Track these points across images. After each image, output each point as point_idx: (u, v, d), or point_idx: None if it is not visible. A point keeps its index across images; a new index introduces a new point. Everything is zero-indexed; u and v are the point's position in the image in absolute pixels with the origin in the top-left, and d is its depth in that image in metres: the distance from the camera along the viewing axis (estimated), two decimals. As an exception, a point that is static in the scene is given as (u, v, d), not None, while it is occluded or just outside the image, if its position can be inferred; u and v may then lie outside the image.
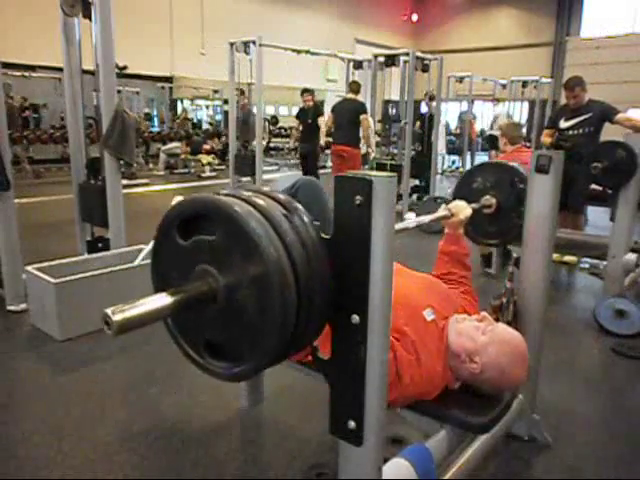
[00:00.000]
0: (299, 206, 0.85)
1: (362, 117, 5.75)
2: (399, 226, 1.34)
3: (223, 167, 9.38)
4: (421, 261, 2.05)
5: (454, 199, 1.78)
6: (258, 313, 0.79)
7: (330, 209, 1.77)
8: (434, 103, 6.91)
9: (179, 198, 2.12)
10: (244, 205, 0.80)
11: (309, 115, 6.55)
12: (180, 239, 0.86)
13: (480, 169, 1.99)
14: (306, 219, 0.83)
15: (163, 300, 0.76)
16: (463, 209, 1.68)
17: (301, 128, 6.82)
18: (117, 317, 0.69)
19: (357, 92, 5.96)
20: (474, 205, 1.76)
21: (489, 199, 1.85)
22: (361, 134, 5.87)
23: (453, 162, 11.51)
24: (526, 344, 1.42)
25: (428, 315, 1.42)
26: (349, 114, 5.78)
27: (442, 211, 1.68)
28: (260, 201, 0.82)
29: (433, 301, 1.48)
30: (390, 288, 0.89)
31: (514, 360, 1.37)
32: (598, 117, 3.74)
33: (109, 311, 0.69)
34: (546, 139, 4.03)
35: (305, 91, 6.67)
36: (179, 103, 13.37)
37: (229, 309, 0.82)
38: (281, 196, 0.86)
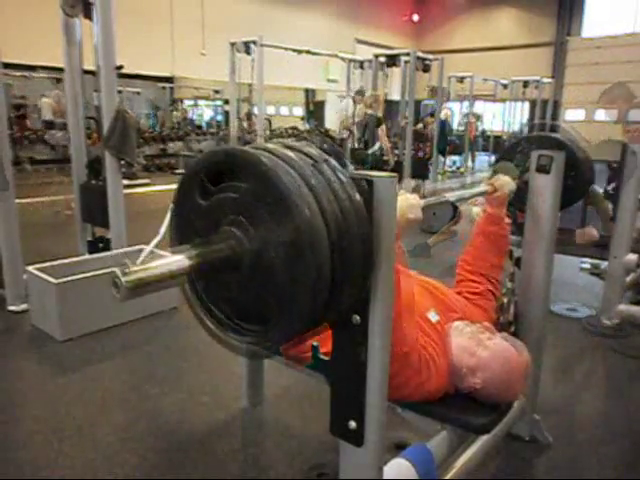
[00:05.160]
0: (331, 159, 0.76)
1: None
2: (433, 200, 1.27)
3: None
4: (422, 262, 2.04)
5: (494, 174, 1.65)
6: (289, 282, 0.70)
7: None
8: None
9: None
10: (273, 158, 0.71)
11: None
12: (200, 199, 0.77)
13: (526, 140, 1.85)
14: (340, 174, 0.74)
15: (180, 263, 0.68)
16: (507, 183, 1.57)
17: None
18: (127, 278, 0.61)
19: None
20: (517, 181, 1.63)
21: None
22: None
23: (454, 162, 11.51)
24: (523, 341, 1.42)
25: (432, 317, 1.42)
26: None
27: (484, 186, 1.57)
28: (290, 154, 0.73)
29: (435, 305, 1.48)
30: (391, 289, 0.89)
31: (515, 376, 1.37)
32: None
33: (118, 271, 0.61)
34: None
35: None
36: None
37: (255, 276, 0.73)
38: (312, 149, 0.78)
